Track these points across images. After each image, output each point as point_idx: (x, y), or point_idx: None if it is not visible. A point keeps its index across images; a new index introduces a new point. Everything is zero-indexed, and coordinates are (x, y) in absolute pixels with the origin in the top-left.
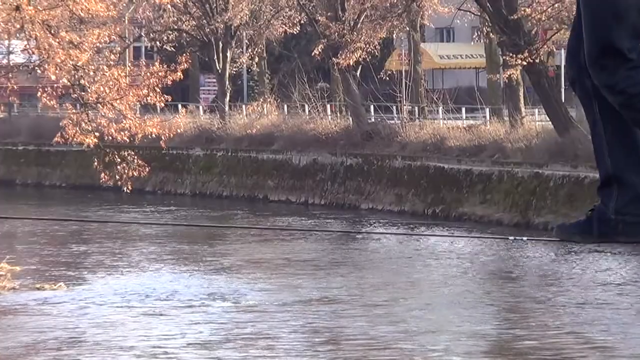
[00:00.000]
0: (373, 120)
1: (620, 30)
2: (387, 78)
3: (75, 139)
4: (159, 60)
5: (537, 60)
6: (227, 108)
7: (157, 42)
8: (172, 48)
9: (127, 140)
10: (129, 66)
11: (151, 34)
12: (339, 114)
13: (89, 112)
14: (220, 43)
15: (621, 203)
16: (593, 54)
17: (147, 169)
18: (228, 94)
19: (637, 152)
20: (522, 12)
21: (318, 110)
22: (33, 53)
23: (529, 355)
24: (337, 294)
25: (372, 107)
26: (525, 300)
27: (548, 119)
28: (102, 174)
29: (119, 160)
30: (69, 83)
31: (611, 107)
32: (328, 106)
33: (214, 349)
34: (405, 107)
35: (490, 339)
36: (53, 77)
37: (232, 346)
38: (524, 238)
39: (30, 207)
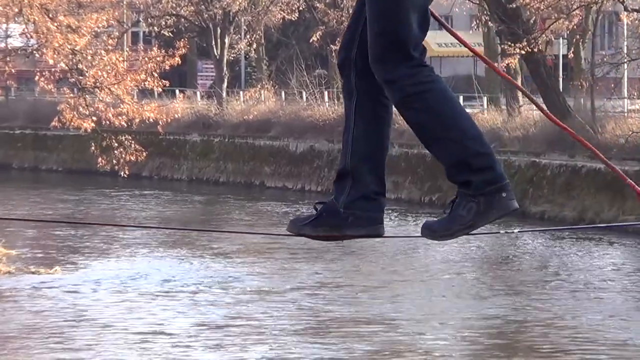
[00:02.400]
0: None
1: (405, 29)
2: None
3: (72, 124)
4: (157, 46)
5: (536, 49)
6: (224, 94)
7: (155, 27)
8: (170, 33)
9: (125, 125)
10: (126, 51)
11: (149, 19)
12: (336, 101)
13: (87, 96)
14: (218, 29)
15: (351, 198)
16: (377, 49)
17: (144, 154)
18: (226, 80)
19: (380, 154)
20: (521, 1)
21: (315, 97)
22: (31, 37)
23: (523, 340)
24: (332, 278)
25: None
26: (520, 286)
27: (546, 108)
28: (99, 159)
29: (116, 145)
30: (66, 67)
31: (368, 105)
32: (326, 93)
33: (209, 333)
34: None
35: (485, 323)
36: (51, 61)
37: (226, 330)
38: (515, 230)
39: (26, 191)
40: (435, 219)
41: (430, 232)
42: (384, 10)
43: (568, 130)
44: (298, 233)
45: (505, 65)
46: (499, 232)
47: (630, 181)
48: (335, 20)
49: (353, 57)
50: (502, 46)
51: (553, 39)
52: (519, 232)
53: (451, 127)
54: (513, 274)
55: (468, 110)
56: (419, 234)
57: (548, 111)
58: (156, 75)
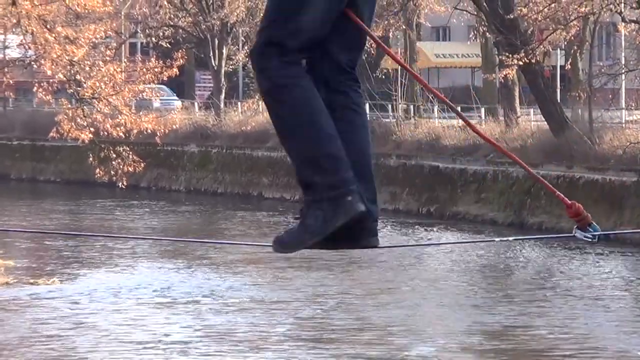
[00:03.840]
0: (368, 118)
1: (289, 30)
2: (383, 76)
3: (70, 134)
4: (154, 56)
5: (533, 60)
6: (222, 105)
7: (153, 38)
8: (168, 44)
9: (123, 136)
10: (124, 62)
11: (147, 30)
12: None
13: (85, 107)
14: (216, 40)
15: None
16: (260, 40)
17: (141, 165)
18: (223, 91)
19: (363, 160)
20: (519, 12)
21: None
22: (29, 48)
23: (521, 348)
24: (330, 287)
25: (367, 105)
26: (517, 294)
27: (543, 119)
28: (97, 170)
29: (114, 155)
30: (64, 78)
31: (341, 117)
32: None
33: (208, 341)
34: (400, 105)
35: (483, 330)
36: (49, 72)
37: (224, 339)
38: (510, 238)
39: (24, 202)
40: (284, 231)
41: (281, 246)
42: (274, 7)
43: (496, 145)
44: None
45: (503, 76)
46: (494, 240)
47: (560, 194)
48: None
49: (322, 76)
50: (500, 57)
51: (551, 50)
52: (513, 239)
53: (308, 124)
54: (511, 283)
55: None
56: (416, 244)
57: (472, 123)
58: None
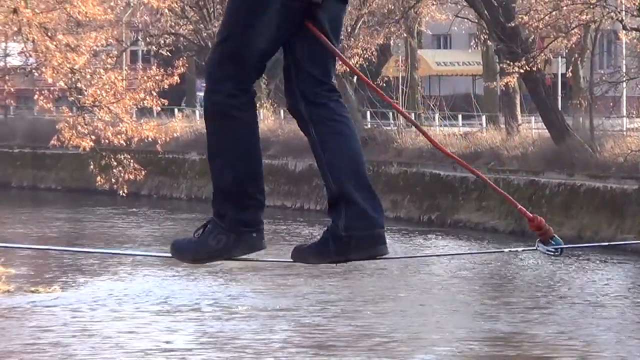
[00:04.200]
0: (369, 126)
1: (248, 47)
2: (384, 84)
3: (71, 142)
4: (155, 64)
5: (534, 68)
6: None
7: (154, 46)
8: (169, 52)
9: (124, 144)
10: (125, 70)
11: (148, 38)
12: None
13: (86, 115)
14: None
15: (349, 220)
16: (216, 56)
17: (142, 173)
18: None
19: (358, 168)
20: (520, 20)
21: None
22: (30, 56)
23: (523, 356)
24: (332, 294)
25: (368, 113)
26: (519, 303)
27: (544, 127)
28: (98, 177)
29: (115, 163)
30: (65, 86)
31: (327, 129)
32: None
33: (209, 349)
34: None
35: (485, 338)
36: (50, 80)
37: (225, 346)
38: (519, 249)
39: (24, 209)
40: (184, 238)
41: (179, 253)
42: (230, 20)
43: (452, 155)
44: (305, 262)
45: (504, 84)
46: (502, 251)
47: (521, 207)
48: None
49: (299, 91)
50: (501, 65)
51: (552, 58)
52: (522, 250)
53: (237, 160)
54: (512, 290)
55: (466, 128)
56: (424, 255)
57: (430, 135)
58: (155, 94)
